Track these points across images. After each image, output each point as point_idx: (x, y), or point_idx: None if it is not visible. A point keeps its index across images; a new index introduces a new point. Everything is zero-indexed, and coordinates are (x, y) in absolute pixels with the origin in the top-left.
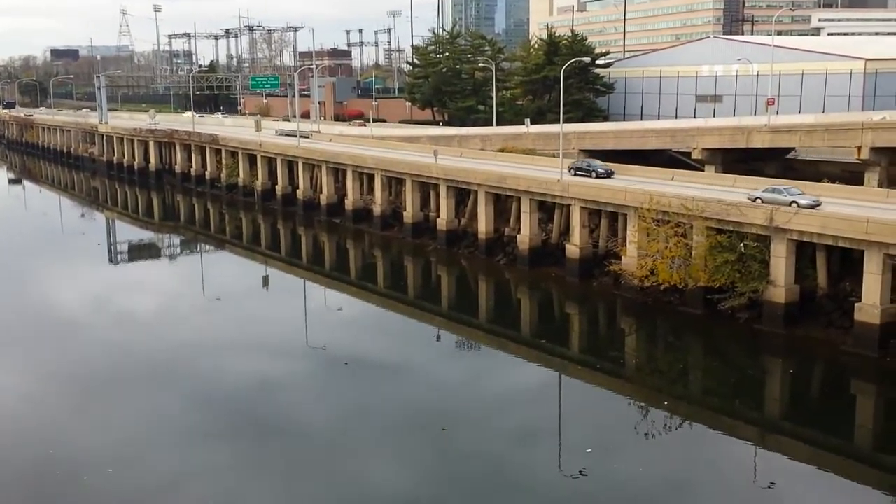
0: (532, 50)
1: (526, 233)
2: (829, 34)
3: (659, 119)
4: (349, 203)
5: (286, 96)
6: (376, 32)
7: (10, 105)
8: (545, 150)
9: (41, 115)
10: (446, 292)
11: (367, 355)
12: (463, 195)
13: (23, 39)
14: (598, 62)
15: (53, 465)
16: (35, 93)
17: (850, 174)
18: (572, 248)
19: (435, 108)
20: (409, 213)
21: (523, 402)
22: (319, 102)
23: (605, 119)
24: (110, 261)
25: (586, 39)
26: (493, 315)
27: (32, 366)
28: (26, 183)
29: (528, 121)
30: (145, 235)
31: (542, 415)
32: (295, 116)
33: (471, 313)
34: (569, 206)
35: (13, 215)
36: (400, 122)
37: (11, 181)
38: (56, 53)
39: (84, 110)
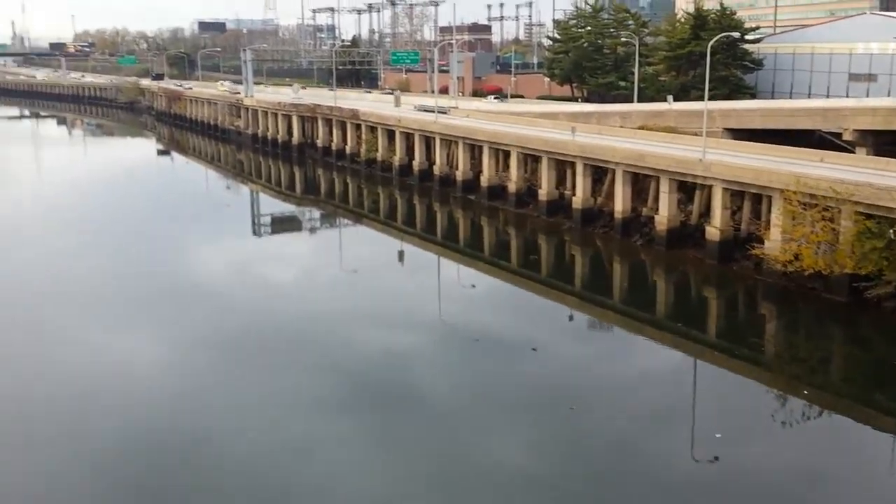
0: (677, 24)
1: (664, 213)
2: None
3: (809, 98)
4: (484, 179)
5: (425, 72)
6: (517, 7)
7: (158, 77)
8: (687, 129)
9: (198, 88)
10: (580, 272)
11: (498, 332)
12: (600, 173)
13: (170, 11)
14: (747, 37)
15: (190, 431)
16: (183, 65)
17: None
18: (712, 231)
19: (574, 84)
20: (545, 190)
21: (655, 385)
22: (458, 78)
23: (753, 97)
24: (253, 233)
25: (735, 14)
26: (627, 296)
27: (172, 332)
28: (174, 154)
29: (670, 97)
30: (287, 208)
31: (675, 399)
32: (434, 92)
33: (605, 294)
34: (710, 186)
35: (161, 186)
36: (538, 98)
37: (160, 152)
38: (203, 26)
39: (220, 83)
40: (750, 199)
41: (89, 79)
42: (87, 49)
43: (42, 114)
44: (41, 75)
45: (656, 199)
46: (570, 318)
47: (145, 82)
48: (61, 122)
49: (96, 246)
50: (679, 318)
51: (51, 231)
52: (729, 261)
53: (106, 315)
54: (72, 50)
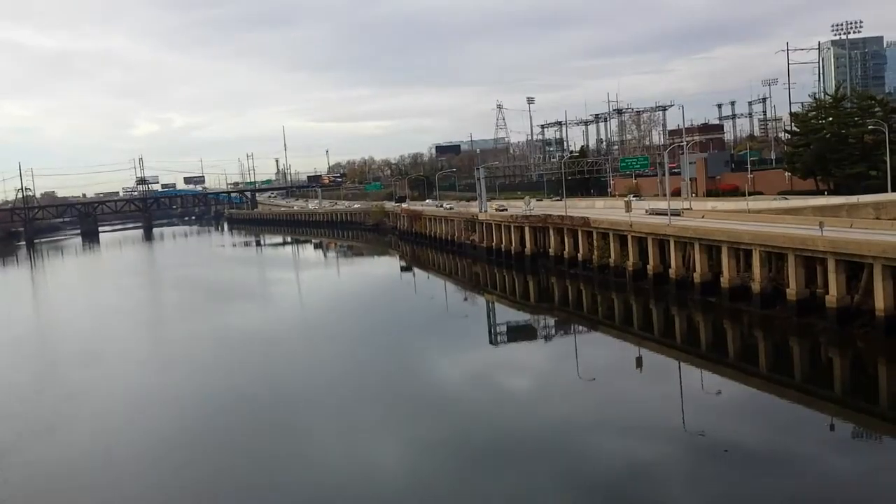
0: None
1: None
2: None
3: None
4: (725, 281)
5: (656, 175)
6: (750, 103)
7: (401, 199)
8: None
9: (459, 207)
10: (839, 376)
11: (749, 443)
12: (855, 269)
13: (412, 138)
14: None
15: None
16: (423, 187)
17: None
18: None
19: (818, 178)
20: (793, 290)
21: None
22: (690, 179)
23: None
24: (490, 342)
25: None
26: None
27: (414, 437)
28: (415, 270)
29: None
30: (522, 317)
31: None
32: (665, 195)
33: (869, 400)
34: None
35: (405, 300)
36: (779, 194)
37: (403, 268)
38: (440, 149)
39: (430, 200)
40: None
41: (341, 206)
42: (339, 179)
43: (301, 239)
44: (305, 205)
45: None
46: (831, 427)
47: (389, 205)
48: (317, 245)
49: (351, 355)
50: None
51: (310, 342)
52: None
53: (356, 416)
54: (326, 181)
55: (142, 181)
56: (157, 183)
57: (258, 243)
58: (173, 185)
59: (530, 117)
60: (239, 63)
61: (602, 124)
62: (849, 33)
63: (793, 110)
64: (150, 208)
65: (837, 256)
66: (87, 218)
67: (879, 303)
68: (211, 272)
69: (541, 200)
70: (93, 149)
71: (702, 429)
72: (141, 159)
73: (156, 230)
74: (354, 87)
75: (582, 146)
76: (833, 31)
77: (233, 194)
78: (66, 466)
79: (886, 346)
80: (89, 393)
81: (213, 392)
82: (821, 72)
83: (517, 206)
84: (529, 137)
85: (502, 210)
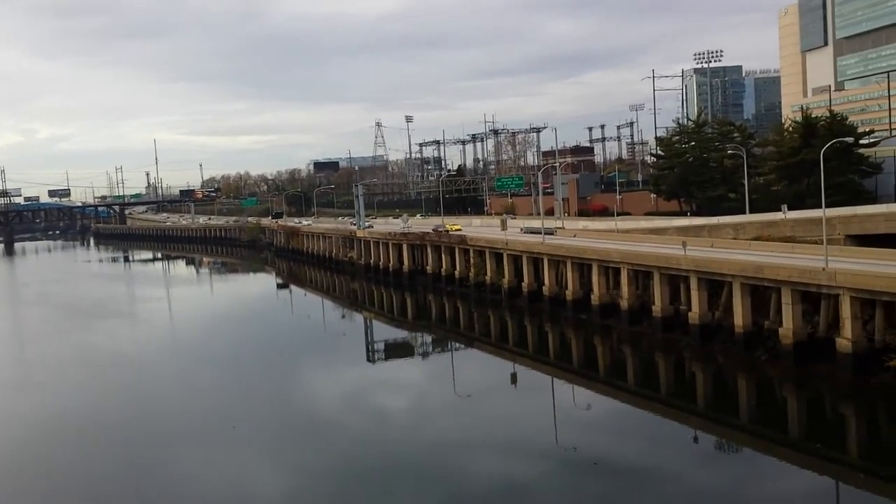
0: (786, 133)
1: (788, 326)
2: None
3: None
4: (595, 298)
5: (530, 195)
6: (618, 127)
7: (278, 215)
8: (806, 237)
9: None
10: (702, 390)
11: (618, 456)
12: (716, 287)
13: (289, 154)
14: (861, 141)
15: None
16: (300, 203)
17: None
18: (843, 343)
19: (682, 199)
20: (659, 307)
21: None
22: (563, 199)
23: (874, 201)
24: (368, 359)
25: (847, 119)
26: (755, 415)
27: (292, 461)
28: (292, 287)
29: (784, 207)
30: (399, 334)
31: None
32: (539, 214)
33: (730, 413)
34: (837, 296)
35: (281, 318)
36: (645, 215)
37: (279, 286)
38: (318, 166)
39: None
40: (882, 308)
41: (214, 221)
42: (214, 194)
43: (172, 255)
44: (172, 220)
45: (778, 311)
46: (695, 439)
47: (265, 221)
48: (189, 262)
49: (223, 376)
50: (815, 438)
51: (179, 364)
52: (865, 374)
53: (227, 439)
54: (200, 196)
55: (2, 194)
56: (20, 196)
57: (126, 259)
58: (37, 199)
59: (409, 136)
60: (113, 73)
61: (479, 144)
62: (710, 62)
63: (658, 135)
64: (12, 222)
65: (699, 274)
66: None
67: (739, 319)
68: (74, 289)
69: (414, 216)
70: None
71: (573, 443)
72: (3, 171)
73: (17, 245)
74: (232, 100)
75: (459, 165)
76: (695, 59)
77: (100, 208)
78: None
79: (745, 361)
80: None
81: (72, 418)
82: (684, 98)
83: (395, 223)
84: (408, 156)
85: (441, 229)
